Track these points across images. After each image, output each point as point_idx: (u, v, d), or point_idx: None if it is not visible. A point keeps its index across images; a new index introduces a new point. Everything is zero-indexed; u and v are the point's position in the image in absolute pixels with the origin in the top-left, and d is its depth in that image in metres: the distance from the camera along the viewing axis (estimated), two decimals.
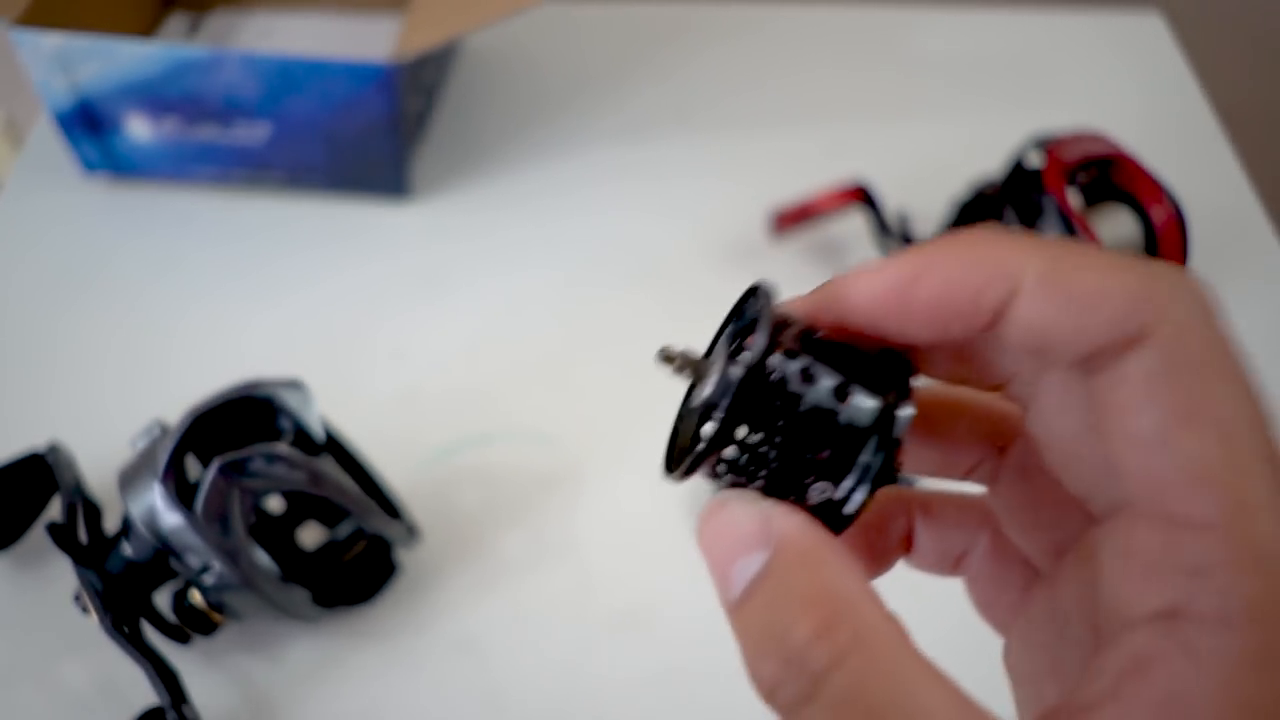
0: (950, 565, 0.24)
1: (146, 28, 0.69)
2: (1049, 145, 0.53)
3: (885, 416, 0.19)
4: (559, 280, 0.60)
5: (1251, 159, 0.67)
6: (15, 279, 0.59)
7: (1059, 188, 0.51)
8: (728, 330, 0.22)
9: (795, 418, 0.19)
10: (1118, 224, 0.52)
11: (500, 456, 0.51)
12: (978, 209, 0.55)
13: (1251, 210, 0.64)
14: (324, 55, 0.56)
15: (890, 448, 0.19)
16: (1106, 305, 0.17)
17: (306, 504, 0.47)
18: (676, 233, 0.62)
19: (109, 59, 0.56)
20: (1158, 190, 0.52)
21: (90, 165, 0.62)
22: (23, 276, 0.59)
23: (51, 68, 0.57)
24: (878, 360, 0.20)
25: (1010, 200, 0.53)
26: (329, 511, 0.47)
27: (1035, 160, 0.53)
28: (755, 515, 0.18)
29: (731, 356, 0.21)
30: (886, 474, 0.19)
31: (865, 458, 0.19)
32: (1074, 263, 0.18)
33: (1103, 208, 0.53)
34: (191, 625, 0.41)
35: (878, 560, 0.24)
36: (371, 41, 0.70)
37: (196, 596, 0.41)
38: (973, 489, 0.24)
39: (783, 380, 0.19)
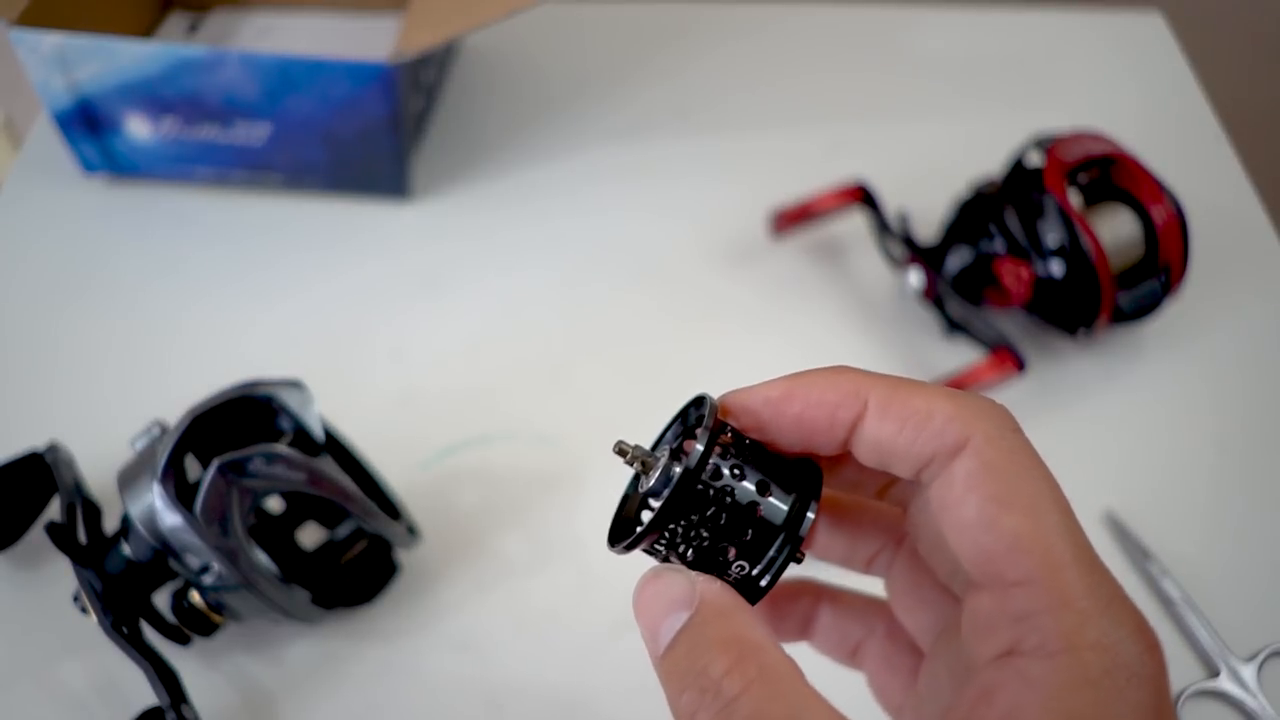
0: (848, 652, 0.29)
1: (146, 28, 0.69)
2: (1049, 145, 0.53)
3: (794, 515, 0.24)
4: (559, 280, 0.60)
5: (1252, 158, 0.67)
6: (15, 279, 0.59)
7: (1059, 187, 0.51)
8: (671, 430, 0.26)
9: (724, 507, 0.23)
10: (1118, 224, 0.52)
11: (500, 457, 0.51)
12: (978, 209, 0.55)
13: (1252, 210, 0.64)
14: (324, 55, 0.56)
15: (795, 542, 0.24)
16: (931, 422, 0.22)
17: (306, 504, 0.47)
18: (676, 232, 0.62)
19: (108, 59, 0.56)
20: (1158, 190, 0.52)
21: (90, 166, 0.62)
22: (22, 276, 0.59)
23: (50, 68, 0.57)
24: (795, 467, 0.25)
25: (1010, 200, 0.53)
26: (329, 512, 0.47)
27: (1035, 160, 0.53)
28: (682, 581, 0.23)
29: (674, 454, 0.25)
30: (791, 558, 0.24)
31: (775, 547, 0.24)
32: (906, 390, 0.23)
33: (1103, 207, 0.53)
34: (191, 626, 0.41)
35: (780, 634, 0.29)
36: (371, 41, 0.70)
37: (196, 597, 0.41)
38: (870, 585, 0.29)
39: (717, 473, 0.23)
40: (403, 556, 0.47)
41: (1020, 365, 0.51)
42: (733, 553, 0.24)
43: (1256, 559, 0.48)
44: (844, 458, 0.25)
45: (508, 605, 0.46)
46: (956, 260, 0.55)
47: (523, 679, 0.44)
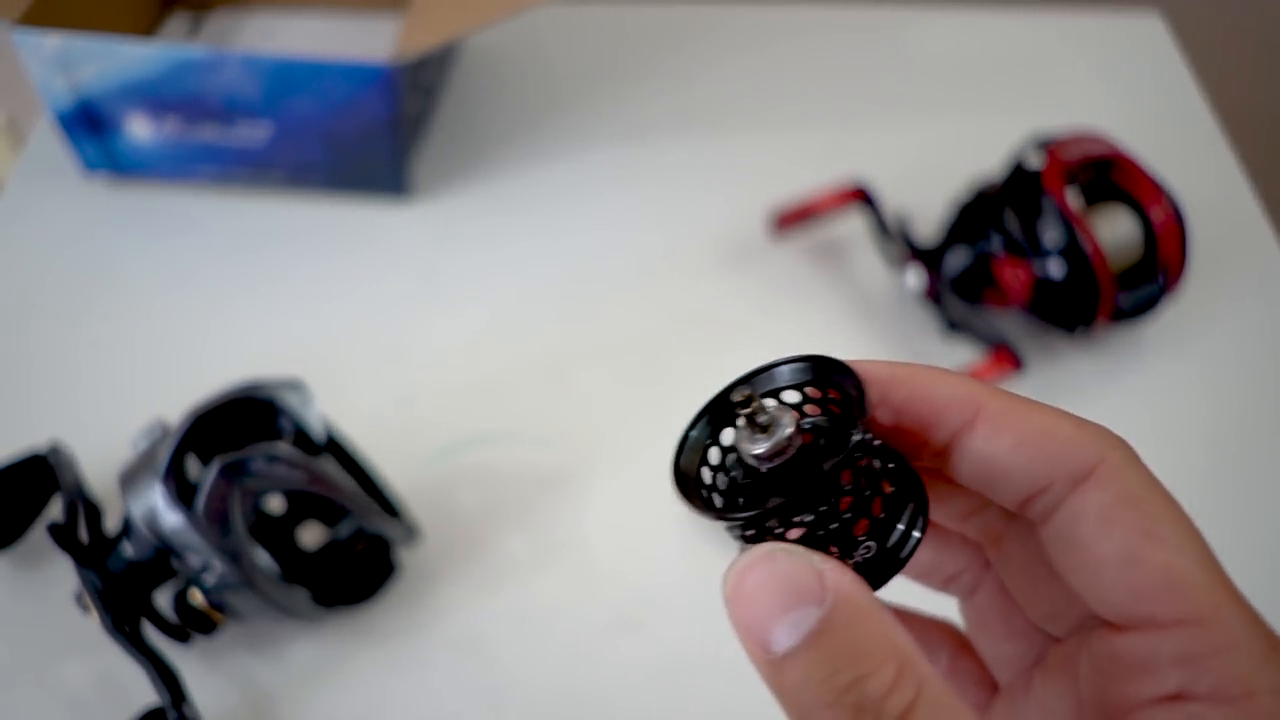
0: None
1: (147, 28, 0.69)
2: (1049, 145, 0.53)
3: (918, 486, 0.21)
4: (559, 280, 0.60)
5: (1250, 159, 0.67)
6: (16, 279, 0.59)
7: (1058, 188, 0.51)
8: (783, 386, 0.22)
9: (857, 484, 0.20)
10: (1117, 224, 0.52)
11: (500, 457, 0.51)
12: (978, 210, 0.55)
13: (1250, 210, 0.64)
14: (324, 56, 0.56)
15: (925, 514, 0.21)
16: (1051, 443, 0.20)
17: (307, 504, 0.47)
18: (676, 233, 0.62)
19: (110, 59, 0.56)
20: (1157, 190, 0.52)
21: (91, 165, 0.62)
22: (24, 277, 0.59)
23: (52, 68, 0.57)
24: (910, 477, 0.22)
25: (1010, 201, 0.53)
26: (329, 511, 0.47)
27: (1035, 161, 0.53)
28: (808, 569, 0.19)
29: (800, 422, 0.21)
30: (922, 537, 0.21)
31: (904, 521, 0.20)
32: (1024, 405, 0.21)
33: (1102, 208, 0.53)
34: (192, 625, 0.41)
35: None
36: (371, 42, 0.70)
37: (197, 596, 0.41)
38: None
39: (860, 446, 0.20)
40: (403, 556, 0.47)
41: (1018, 364, 0.51)
42: (863, 527, 0.20)
43: (1256, 559, 0.48)
44: (933, 473, 0.23)
45: (508, 605, 0.46)
46: (956, 261, 0.55)
47: (523, 679, 0.44)
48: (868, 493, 0.20)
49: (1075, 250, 0.51)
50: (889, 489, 0.21)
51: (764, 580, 0.19)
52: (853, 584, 0.19)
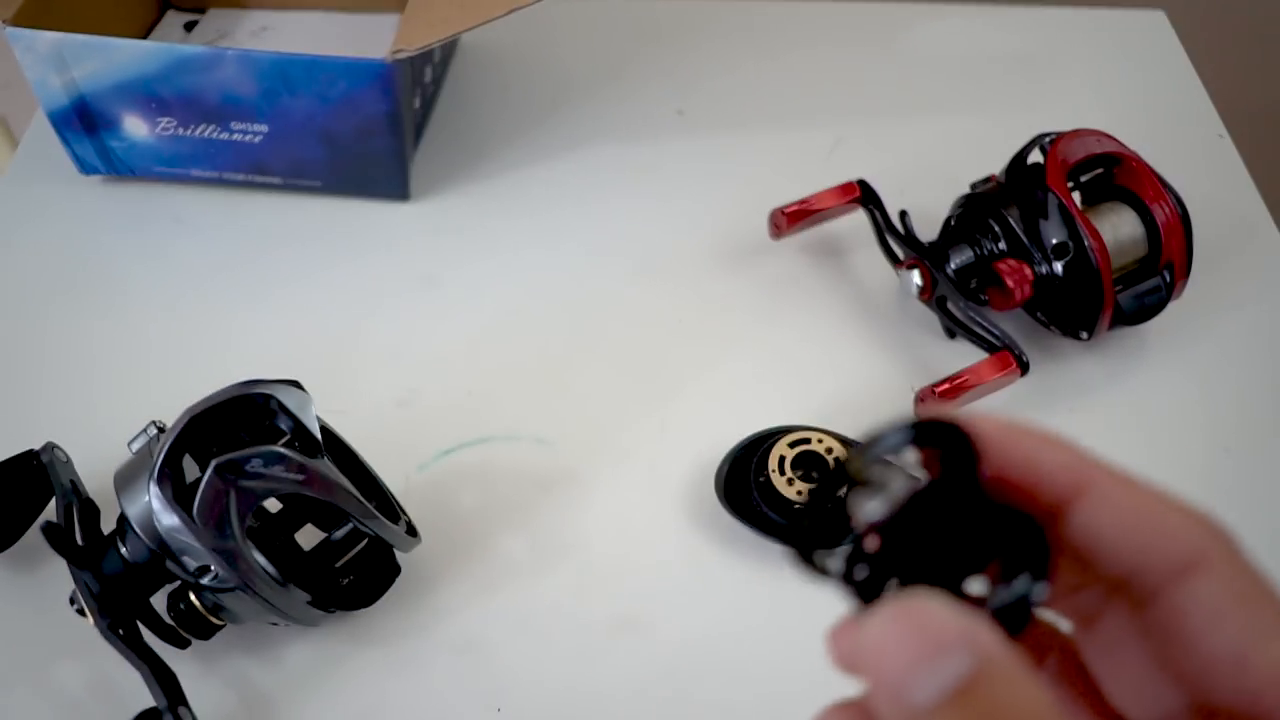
0: None
1: (143, 26, 0.69)
2: (1051, 143, 0.53)
3: (1037, 533, 0.20)
4: (559, 279, 0.60)
5: (1254, 157, 0.67)
6: (10, 279, 0.59)
7: (1061, 186, 0.51)
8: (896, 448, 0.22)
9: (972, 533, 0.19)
10: (1120, 222, 0.52)
11: (500, 458, 0.51)
12: (979, 208, 0.55)
13: (1255, 208, 0.63)
14: (321, 54, 0.56)
15: (1046, 560, 0.20)
16: (1164, 525, 0.20)
17: (305, 506, 0.46)
18: (676, 232, 0.62)
19: (105, 58, 0.56)
20: (1160, 189, 0.52)
21: (86, 167, 0.62)
22: (18, 276, 0.59)
23: (47, 67, 0.56)
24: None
25: (1012, 199, 0.53)
26: (327, 513, 0.46)
27: (1038, 159, 0.53)
28: (957, 619, 0.17)
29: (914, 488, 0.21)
30: (1046, 583, 0.20)
31: (1028, 571, 0.19)
32: (1134, 483, 0.20)
33: (1105, 206, 0.53)
34: (189, 628, 0.41)
35: None
36: (370, 40, 0.69)
37: (194, 599, 0.40)
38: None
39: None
40: (402, 557, 0.47)
41: (1024, 369, 0.51)
42: (980, 582, 0.19)
43: (1260, 558, 0.48)
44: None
45: (507, 606, 0.46)
46: (958, 260, 0.55)
47: (522, 680, 0.44)
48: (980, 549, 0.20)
49: (1078, 249, 0.51)
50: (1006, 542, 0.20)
51: (909, 624, 0.18)
52: (1001, 641, 0.17)
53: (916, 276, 0.55)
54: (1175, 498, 0.20)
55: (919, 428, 0.21)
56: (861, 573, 0.20)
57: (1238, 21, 0.88)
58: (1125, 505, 0.20)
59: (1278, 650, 0.19)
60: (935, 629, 0.17)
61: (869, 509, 0.20)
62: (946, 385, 0.50)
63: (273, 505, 0.47)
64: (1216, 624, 0.19)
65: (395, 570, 0.46)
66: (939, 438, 0.21)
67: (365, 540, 0.45)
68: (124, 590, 0.40)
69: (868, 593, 0.20)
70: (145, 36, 0.69)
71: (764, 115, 0.70)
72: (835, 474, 0.22)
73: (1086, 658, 0.23)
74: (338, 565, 0.45)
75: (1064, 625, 0.24)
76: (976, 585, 0.19)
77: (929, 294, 0.55)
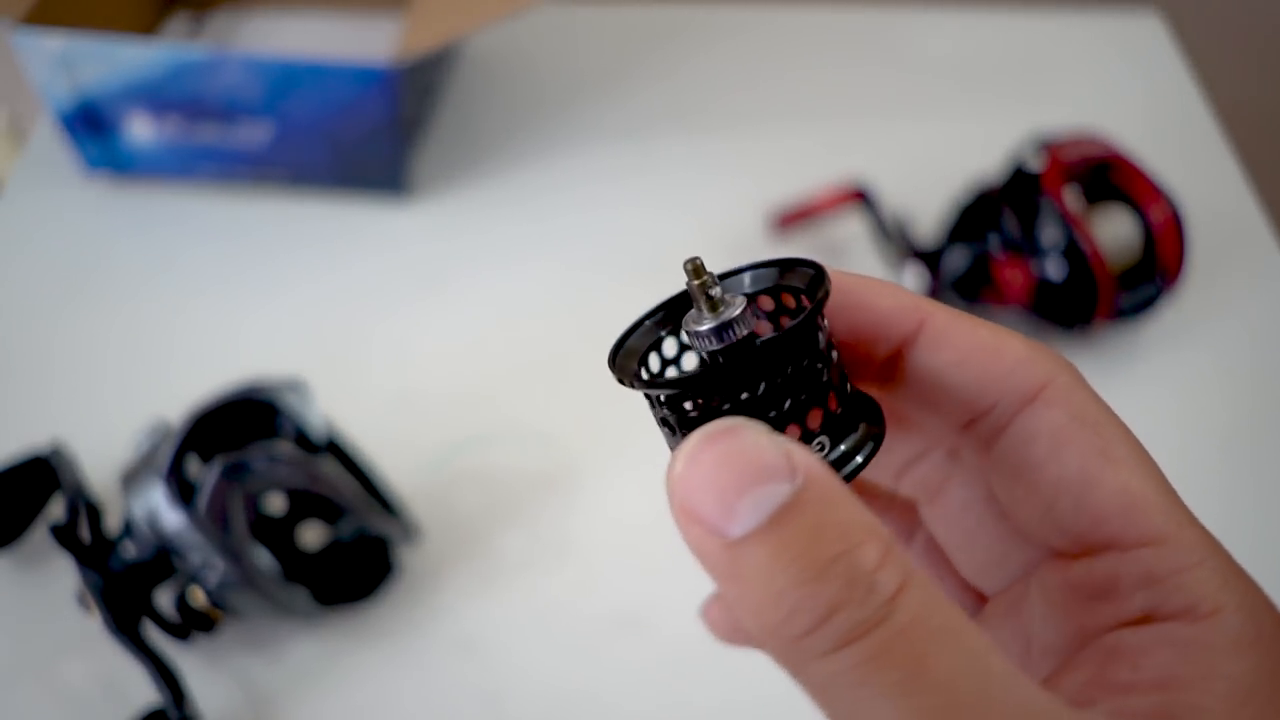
0: None
1: (148, 28, 0.69)
2: (1048, 146, 0.53)
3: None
4: (559, 280, 0.60)
5: (1249, 159, 0.67)
6: (17, 278, 0.59)
7: (1057, 190, 0.51)
8: (749, 273, 0.21)
9: (812, 366, 0.19)
10: (1116, 225, 0.52)
11: (500, 456, 0.51)
12: (977, 210, 0.55)
13: (1249, 210, 0.64)
14: (325, 56, 0.56)
15: (880, 419, 0.20)
16: (1000, 360, 0.19)
17: (308, 502, 0.47)
18: (676, 233, 0.62)
19: (111, 60, 0.56)
20: (1156, 191, 0.52)
21: (92, 168, 0.62)
22: (25, 276, 0.60)
23: (54, 68, 0.57)
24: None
25: (1009, 201, 0.54)
26: (330, 510, 0.47)
27: (1034, 162, 0.53)
28: (776, 446, 0.16)
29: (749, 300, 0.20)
30: (882, 438, 0.20)
31: (864, 422, 0.19)
32: (970, 321, 0.20)
33: (1101, 208, 0.53)
34: (193, 623, 0.41)
35: None
36: (372, 42, 0.70)
37: (198, 595, 0.41)
38: None
39: (823, 347, 0.19)
40: (404, 556, 0.47)
41: None
42: (816, 419, 0.18)
43: (1255, 557, 0.48)
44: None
45: (509, 604, 0.46)
46: (955, 261, 0.55)
47: (523, 678, 0.44)
48: (825, 378, 0.19)
49: (1075, 251, 0.51)
50: (846, 390, 0.19)
51: (720, 457, 0.16)
52: (823, 465, 0.16)
53: (915, 277, 0.55)
54: (1014, 333, 0.20)
55: (779, 266, 0.21)
56: (677, 385, 0.19)
57: (1232, 24, 0.88)
58: (964, 341, 0.20)
59: (1121, 475, 0.19)
60: (751, 457, 0.16)
61: (702, 325, 0.19)
62: None
63: (278, 503, 0.47)
64: (1060, 449, 0.19)
65: (392, 567, 0.46)
66: (794, 278, 0.20)
67: (366, 537, 0.46)
68: (129, 587, 0.41)
69: (694, 418, 0.19)
70: (150, 38, 0.70)
71: (764, 117, 0.70)
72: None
73: (935, 533, 0.23)
74: (337, 561, 0.46)
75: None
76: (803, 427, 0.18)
77: (927, 294, 0.56)
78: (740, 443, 0.16)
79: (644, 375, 0.21)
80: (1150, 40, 0.75)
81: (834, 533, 0.16)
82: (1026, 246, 0.53)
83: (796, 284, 0.20)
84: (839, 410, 0.19)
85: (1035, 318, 0.55)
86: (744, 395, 0.18)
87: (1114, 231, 0.52)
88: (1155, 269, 0.52)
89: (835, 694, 0.16)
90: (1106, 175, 0.54)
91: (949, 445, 0.23)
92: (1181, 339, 0.57)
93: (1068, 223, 0.51)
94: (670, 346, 0.21)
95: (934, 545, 0.24)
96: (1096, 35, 0.76)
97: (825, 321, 0.19)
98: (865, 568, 0.15)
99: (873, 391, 0.21)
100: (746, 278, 0.21)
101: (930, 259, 0.56)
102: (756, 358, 0.18)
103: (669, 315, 0.21)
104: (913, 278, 0.56)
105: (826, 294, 0.19)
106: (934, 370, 0.20)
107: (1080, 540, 0.19)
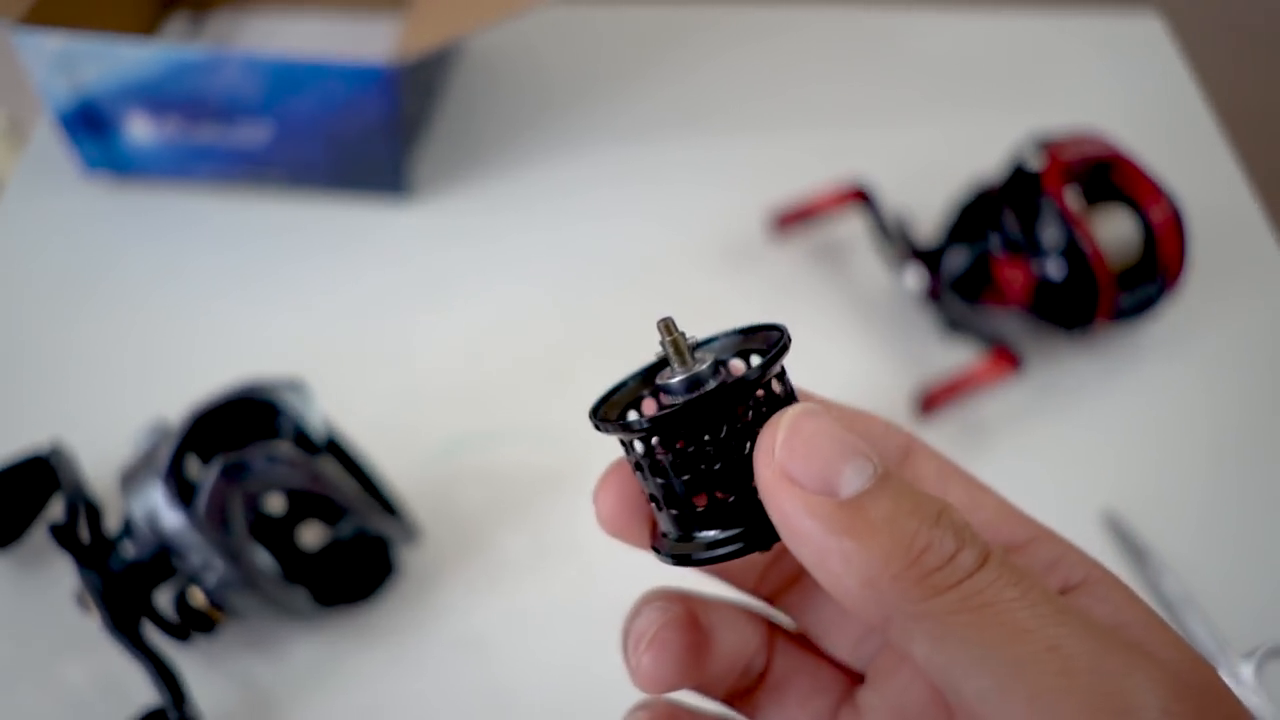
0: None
1: (148, 28, 0.69)
2: (1048, 146, 0.53)
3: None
4: (560, 280, 0.60)
5: (1249, 159, 0.67)
6: (17, 279, 0.59)
7: (1058, 189, 0.51)
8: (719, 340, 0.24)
9: (745, 436, 0.21)
10: (1117, 225, 0.52)
11: (502, 456, 0.51)
12: (977, 210, 0.55)
13: (1249, 210, 0.64)
14: (325, 56, 0.56)
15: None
16: (876, 428, 0.24)
17: (308, 503, 0.47)
18: (677, 233, 0.62)
19: (110, 59, 0.56)
20: (1156, 191, 0.52)
21: (92, 164, 0.62)
22: (24, 276, 0.59)
23: (53, 68, 0.57)
24: None
25: (1009, 201, 0.54)
26: (330, 510, 0.47)
27: (1034, 161, 0.53)
28: (852, 435, 0.20)
29: (715, 364, 0.22)
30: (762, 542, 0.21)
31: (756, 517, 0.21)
32: (839, 407, 0.24)
33: (1101, 208, 0.53)
34: (192, 624, 0.41)
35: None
36: (372, 42, 0.70)
37: (198, 595, 0.41)
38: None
39: (763, 399, 0.21)
40: (405, 556, 0.47)
41: (1016, 363, 0.51)
42: (718, 495, 0.21)
43: (1254, 557, 0.48)
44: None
45: (510, 604, 0.46)
46: (955, 261, 0.55)
47: (525, 678, 0.44)
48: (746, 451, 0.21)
49: (1075, 251, 0.51)
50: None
51: (822, 430, 0.19)
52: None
53: (915, 277, 0.55)
54: (869, 415, 0.24)
55: (747, 330, 0.24)
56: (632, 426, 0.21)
57: (1231, 23, 0.88)
58: (844, 420, 0.22)
59: (993, 497, 0.23)
60: (848, 441, 0.19)
61: (671, 379, 0.22)
62: (945, 386, 0.51)
63: (278, 503, 0.47)
64: (945, 483, 0.23)
65: (391, 567, 0.46)
66: (760, 339, 0.23)
67: (364, 537, 0.46)
68: (128, 587, 0.41)
69: (641, 458, 0.21)
70: (150, 38, 0.70)
71: (764, 117, 0.70)
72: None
73: (803, 625, 0.26)
74: (337, 562, 0.46)
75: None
76: None
77: (928, 294, 0.56)
78: (829, 425, 0.19)
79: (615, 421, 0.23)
80: (1150, 40, 0.75)
81: (928, 500, 0.19)
82: (1027, 246, 0.53)
83: (758, 346, 0.23)
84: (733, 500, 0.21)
85: (1035, 318, 0.55)
86: (705, 437, 0.20)
87: (1114, 231, 0.52)
88: (1155, 269, 0.52)
89: (959, 621, 0.18)
90: (1106, 175, 0.54)
91: None
92: (1182, 339, 0.57)
93: (1068, 223, 0.51)
94: (650, 406, 0.24)
95: (796, 650, 0.26)
96: (1096, 35, 0.76)
97: (782, 383, 0.21)
98: (960, 521, 0.19)
99: None
100: (718, 343, 0.24)
101: (930, 259, 0.56)
102: (713, 400, 0.20)
103: (649, 377, 0.24)
104: (913, 278, 0.56)
105: (784, 348, 0.21)
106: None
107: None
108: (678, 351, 0.22)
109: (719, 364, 0.22)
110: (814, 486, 0.19)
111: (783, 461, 0.19)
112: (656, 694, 0.24)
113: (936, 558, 0.18)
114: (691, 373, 0.21)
